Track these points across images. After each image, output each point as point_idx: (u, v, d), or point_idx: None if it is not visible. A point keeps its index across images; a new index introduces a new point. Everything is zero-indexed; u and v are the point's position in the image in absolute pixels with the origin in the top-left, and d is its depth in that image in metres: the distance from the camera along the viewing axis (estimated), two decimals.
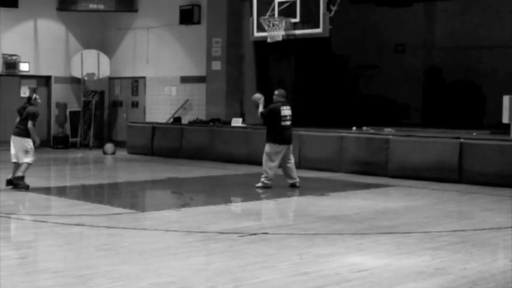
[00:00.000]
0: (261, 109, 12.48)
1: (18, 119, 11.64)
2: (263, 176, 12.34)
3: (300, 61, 21.23)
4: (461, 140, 13.49)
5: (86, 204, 10.27)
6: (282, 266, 6.53)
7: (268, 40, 15.61)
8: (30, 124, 11.41)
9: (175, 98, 20.49)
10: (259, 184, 12.33)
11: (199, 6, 19.68)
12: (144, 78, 21.55)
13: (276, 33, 15.40)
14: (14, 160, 11.51)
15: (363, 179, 13.80)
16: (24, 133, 11.42)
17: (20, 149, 11.37)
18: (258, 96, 12.73)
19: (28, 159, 11.37)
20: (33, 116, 11.50)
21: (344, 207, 10.27)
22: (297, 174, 12.51)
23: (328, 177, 14.19)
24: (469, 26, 19.85)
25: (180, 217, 9.34)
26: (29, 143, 11.42)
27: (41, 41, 21.20)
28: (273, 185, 12.31)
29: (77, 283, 5.84)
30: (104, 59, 21.31)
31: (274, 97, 12.46)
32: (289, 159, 12.42)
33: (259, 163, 14.14)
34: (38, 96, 12.03)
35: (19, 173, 11.37)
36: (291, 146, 12.58)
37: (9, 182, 11.54)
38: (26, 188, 11.35)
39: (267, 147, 12.31)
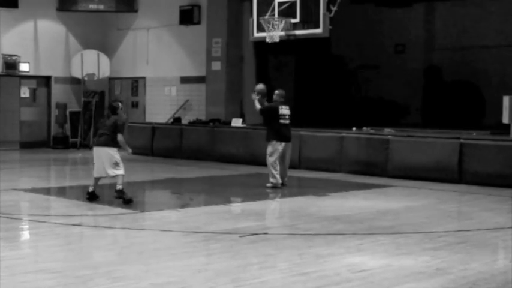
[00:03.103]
0: (258, 105, 12.59)
1: (101, 129, 10.47)
2: (271, 177, 12.42)
3: (300, 61, 21.22)
4: (461, 140, 13.49)
5: (86, 205, 10.26)
6: (282, 266, 6.53)
7: (268, 40, 15.61)
8: (120, 137, 10.28)
9: (175, 98, 20.49)
10: (269, 184, 12.40)
11: (199, 6, 19.68)
12: (144, 78, 21.54)
13: (276, 33, 15.39)
14: (97, 175, 10.38)
15: (363, 179, 13.80)
16: (111, 143, 10.27)
17: (109, 161, 10.19)
18: (261, 87, 12.77)
19: (121, 171, 10.22)
20: (123, 128, 10.45)
21: (344, 208, 10.27)
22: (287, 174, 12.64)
23: (328, 177, 14.19)
24: (469, 26, 19.84)
25: (180, 217, 9.34)
26: (117, 154, 10.28)
27: (41, 41, 21.20)
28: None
29: (77, 283, 5.84)
30: (104, 59, 21.31)
31: (274, 97, 12.68)
32: (286, 157, 12.51)
33: (259, 163, 14.18)
34: (121, 105, 10.87)
35: (119, 187, 10.21)
36: (290, 145, 12.65)
37: (91, 195, 10.42)
38: (131, 200, 10.22)
39: (269, 147, 12.38)
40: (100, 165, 10.31)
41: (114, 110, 10.51)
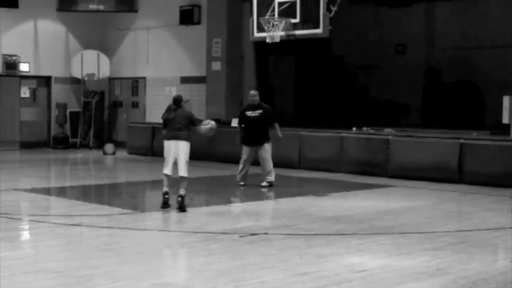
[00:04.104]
0: (279, 133, 12.50)
1: (172, 123, 9.90)
2: (271, 175, 12.45)
3: (300, 61, 21.21)
4: (461, 140, 13.49)
5: (86, 205, 10.26)
6: (282, 267, 6.53)
7: (268, 40, 15.60)
8: (199, 128, 10.20)
9: None
10: (266, 183, 12.41)
11: (199, 6, 19.67)
12: (144, 78, 21.54)
13: (276, 33, 15.38)
14: (170, 173, 9.78)
15: (363, 179, 13.80)
16: (189, 137, 9.87)
17: (185, 157, 9.73)
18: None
19: (187, 174, 9.76)
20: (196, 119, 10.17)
21: (344, 208, 10.27)
22: None
23: (328, 178, 14.18)
24: (469, 26, 19.83)
25: (180, 217, 9.34)
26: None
27: (41, 41, 21.19)
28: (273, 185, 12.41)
29: (77, 283, 5.84)
30: (104, 59, 21.30)
31: (256, 98, 12.54)
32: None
33: (258, 163, 14.13)
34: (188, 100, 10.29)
35: (183, 192, 9.60)
36: None
37: (167, 200, 9.72)
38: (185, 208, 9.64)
39: (269, 147, 12.45)
40: (172, 161, 9.72)
41: (178, 103, 9.99)
